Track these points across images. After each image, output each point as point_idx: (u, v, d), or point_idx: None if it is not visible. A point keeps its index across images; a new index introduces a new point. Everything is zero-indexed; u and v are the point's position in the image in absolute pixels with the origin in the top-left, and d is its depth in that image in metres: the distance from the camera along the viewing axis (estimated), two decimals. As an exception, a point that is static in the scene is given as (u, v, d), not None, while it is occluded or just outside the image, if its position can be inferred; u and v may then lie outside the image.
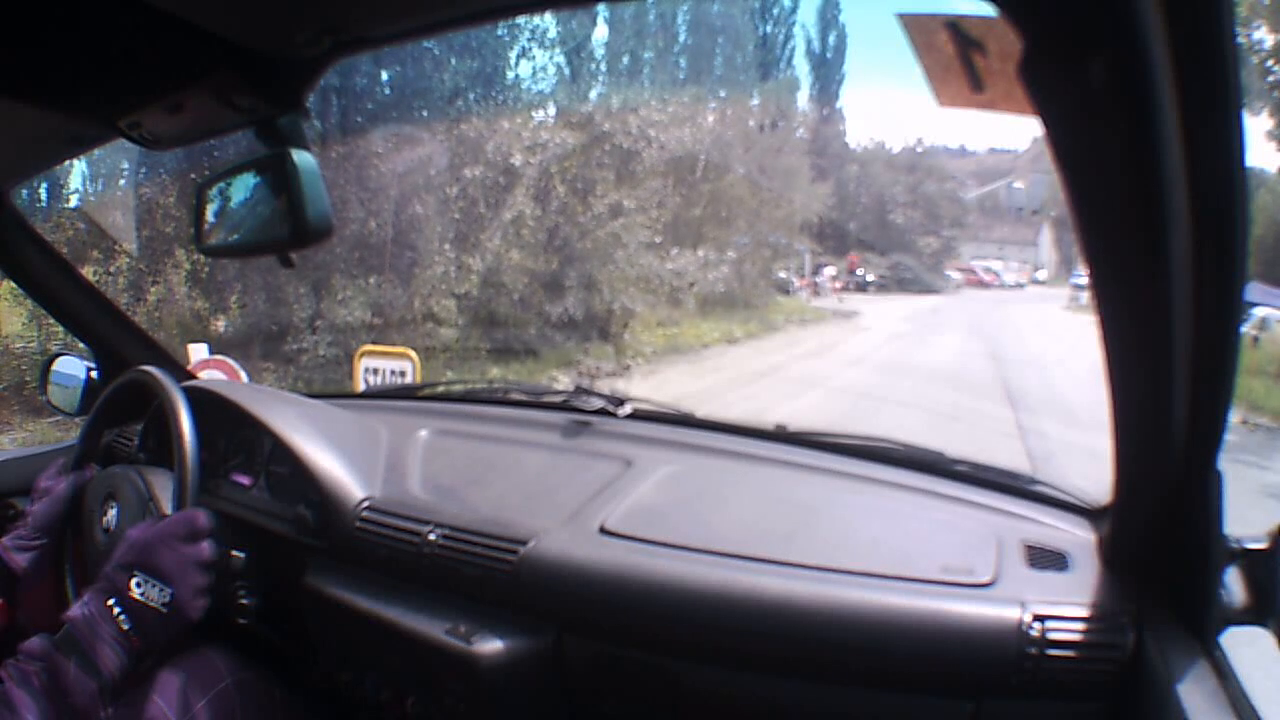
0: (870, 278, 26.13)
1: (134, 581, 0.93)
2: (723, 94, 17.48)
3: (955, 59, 0.45)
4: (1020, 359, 11.31)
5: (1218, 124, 0.42)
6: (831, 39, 29.10)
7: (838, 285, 23.48)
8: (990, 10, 0.40)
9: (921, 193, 28.98)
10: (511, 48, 9.57)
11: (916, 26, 0.46)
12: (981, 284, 28.54)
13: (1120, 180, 0.45)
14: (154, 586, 0.94)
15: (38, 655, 0.89)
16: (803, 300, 19.91)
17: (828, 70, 29.18)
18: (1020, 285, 29.05)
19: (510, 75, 9.64)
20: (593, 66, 11.99)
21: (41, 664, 0.88)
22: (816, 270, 23.69)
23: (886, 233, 27.90)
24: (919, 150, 30.39)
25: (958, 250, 29.64)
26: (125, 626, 0.91)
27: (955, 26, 0.44)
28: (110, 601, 0.92)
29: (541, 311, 9.43)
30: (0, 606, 1.13)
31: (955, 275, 28.59)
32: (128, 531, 1.00)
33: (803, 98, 28.86)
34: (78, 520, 1.21)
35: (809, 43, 29.05)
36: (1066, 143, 0.44)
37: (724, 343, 12.46)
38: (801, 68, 29.06)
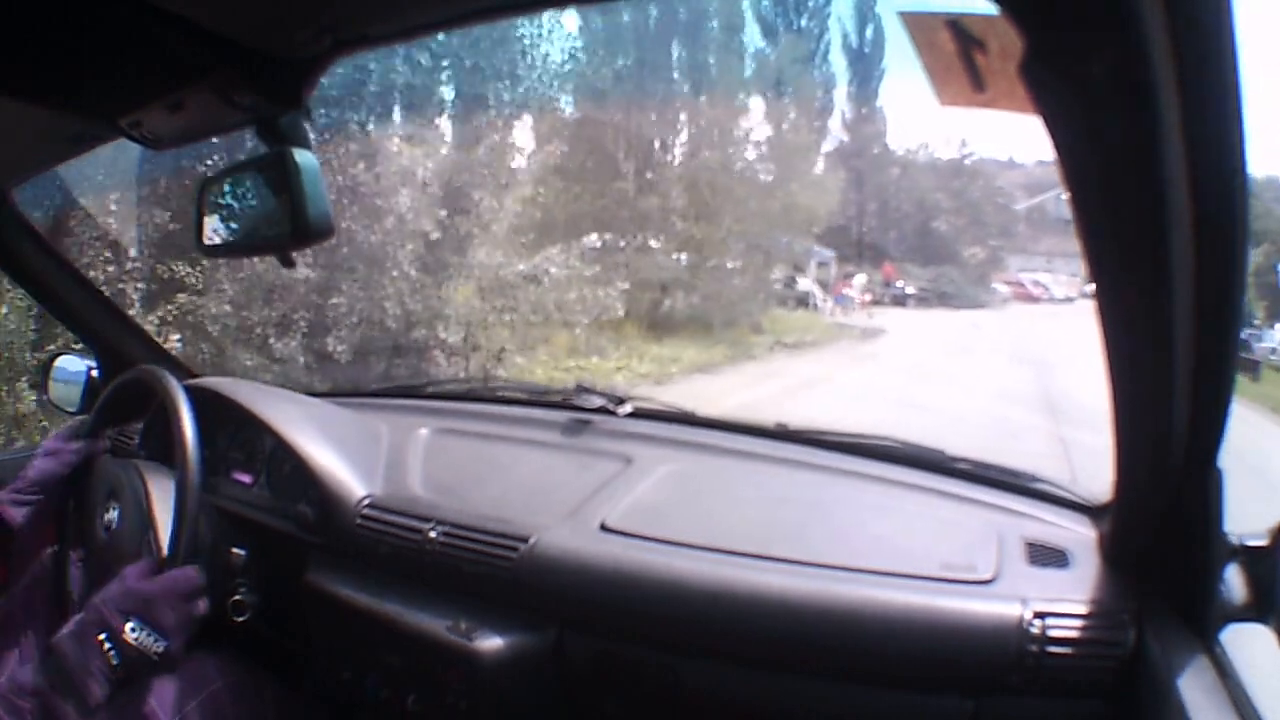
0: (910, 290, 23.57)
1: (129, 626, 0.94)
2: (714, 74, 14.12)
3: (957, 58, 0.45)
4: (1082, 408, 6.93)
5: (1218, 124, 0.42)
6: (869, 33, 27.02)
7: (867, 298, 20.48)
8: (991, 9, 0.40)
9: (967, 199, 26.89)
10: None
11: (917, 25, 0.46)
12: (1030, 298, 25.98)
13: (1121, 180, 0.45)
14: (150, 636, 0.95)
15: (30, 691, 0.90)
16: (823, 316, 17.65)
17: (866, 66, 27.19)
18: (1069, 299, 26.04)
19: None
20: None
21: (35, 700, 0.89)
22: (844, 281, 21.26)
23: (929, 241, 26.04)
24: (965, 153, 27.94)
25: (1004, 262, 27.54)
26: (114, 663, 0.92)
27: (956, 25, 0.44)
28: (102, 636, 0.93)
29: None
30: None
31: (1002, 289, 26.07)
32: (126, 573, 1.00)
33: (840, 96, 26.99)
34: (79, 517, 1.21)
35: (845, 37, 26.98)
36: (1067, 142, 0.44)
37: (651, 382, 9.09)
38: (838, 63, 27.25)
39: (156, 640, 0.95)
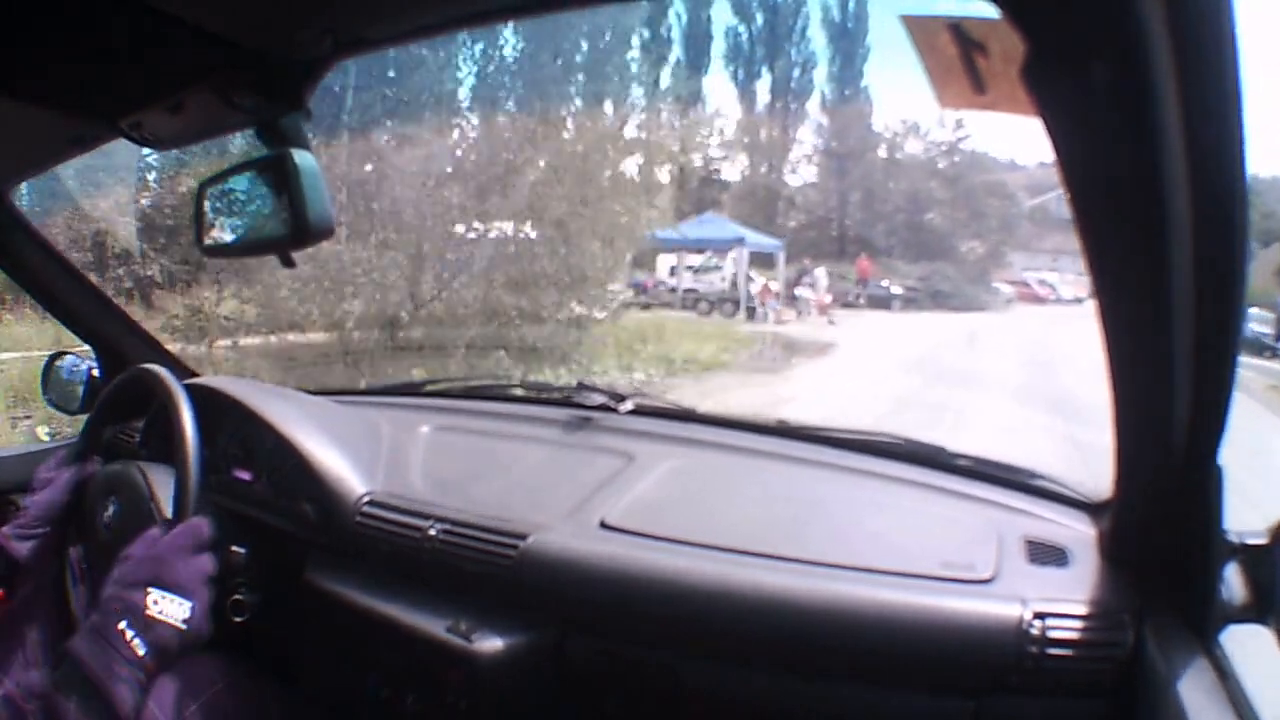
0: (896, 290, 19.37)
1: (150, 599, 0.88)
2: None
3: (958, 60, 0.45)
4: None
5: (1219, 125, 0.43)
6: (852, 6, 25.31)
7: (827, 300, 16.04)
8: (993, 12, 0.40)
9: (964, 187, 23.13)
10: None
11: (919, 28, 0.46)
12: (1036, 298, 22.08)
13: (1121, 181, 0.45)
14: (172, 601, 0.89)
15: (36, 694, 0.83)
16: (759, 324, 13.48)
17: (849, 43, 25.33)
18: (1078, 300, 21.84)
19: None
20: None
21: (40, 703, 0.82)
22: (799, 279, 16.69)
23: (921, 235, 22.64)
24: (960, 135, 23.92)
25: (1007, 258, 23.74)
26: (141, 652, 0.85)
27: (958, 28, 0.45)
28: (122, 625, 0.86)
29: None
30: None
31: (1005, 289, 21.88)
32: (130, 550, 0.95)
33: (820, 75, 25.06)
34: (79, 516, 1.21)
35: (825, 11, 25.27)
36: (1068, 144, 0.44)
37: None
38: (818, 40, 25.45)
39: (180, 604, 0.88)
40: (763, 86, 26.58)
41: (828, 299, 16.13)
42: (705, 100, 25.83)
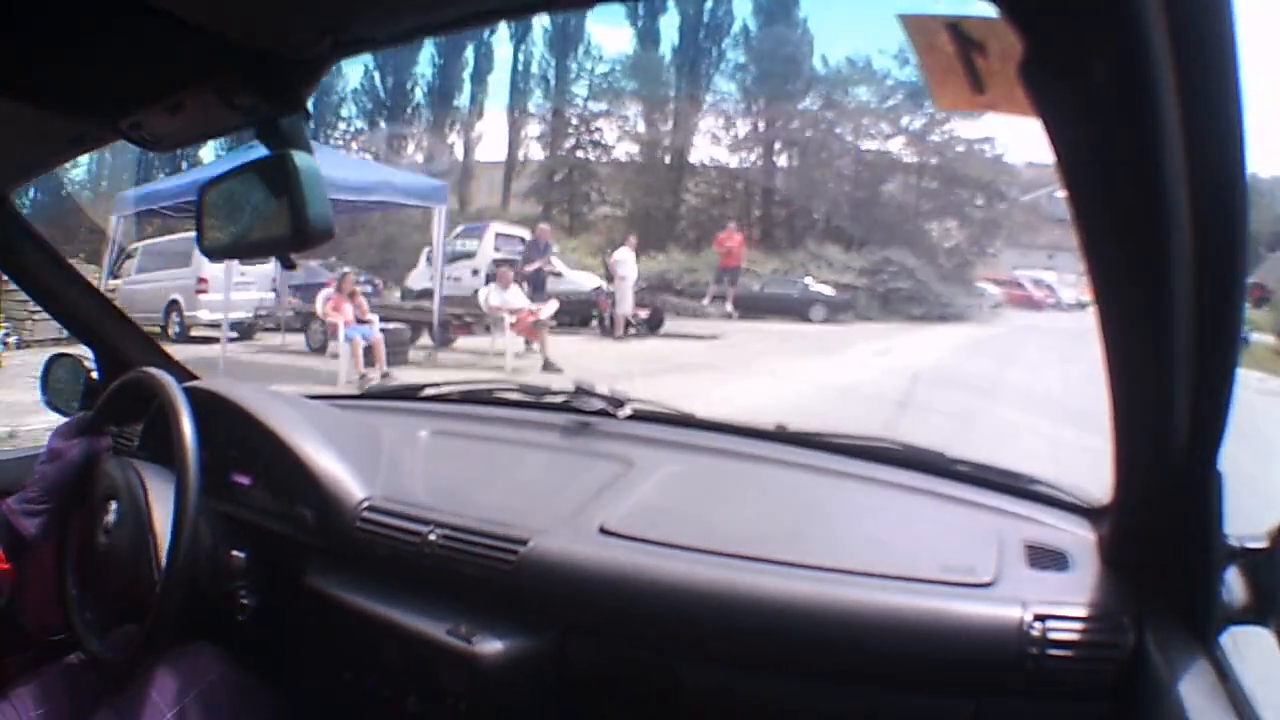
0: (821, 289, 13.29)
1: None
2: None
3: (956, 60, 0.45)
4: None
5: (1219, 124, 0.43)
6: None
7: (526, 314, 7.80)
8: (991, 11, 0.40)
9: (933, 147, 17.04)
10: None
11: (917, 27, 0.46)
12: (1030, 302, 17.61)
13: (1121, 181, 0.45)
14: None
15: None
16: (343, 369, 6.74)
17: None
18: (1081, 304, 16.11)
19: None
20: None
21: None
22: (521, 265, 9.85)
23: (870, 212, 16.61)
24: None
25: (994, 246, 18.33)
26: None
27: (956, 28, 0.45)
28: None
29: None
30: (7, 571, 1.13)
31: (992, 290, 16.85)
32: None
33: (742, 4, 19.28)
34: (83, 506, 1.20)
35: None
36: (1067, 143, 0.44)
37: None
38: None
39: None
40: (668, 22, 21.29)
41: (518, 311, 7.83)
42: (588, 40, 21.45)
